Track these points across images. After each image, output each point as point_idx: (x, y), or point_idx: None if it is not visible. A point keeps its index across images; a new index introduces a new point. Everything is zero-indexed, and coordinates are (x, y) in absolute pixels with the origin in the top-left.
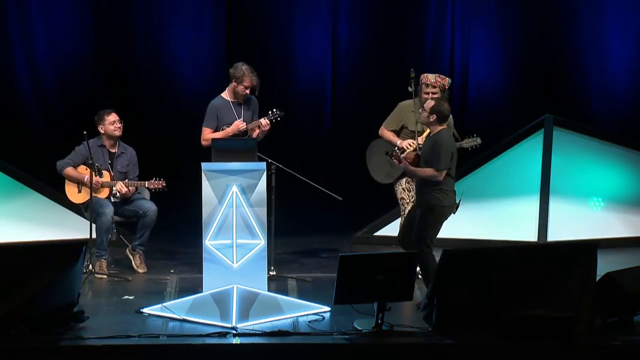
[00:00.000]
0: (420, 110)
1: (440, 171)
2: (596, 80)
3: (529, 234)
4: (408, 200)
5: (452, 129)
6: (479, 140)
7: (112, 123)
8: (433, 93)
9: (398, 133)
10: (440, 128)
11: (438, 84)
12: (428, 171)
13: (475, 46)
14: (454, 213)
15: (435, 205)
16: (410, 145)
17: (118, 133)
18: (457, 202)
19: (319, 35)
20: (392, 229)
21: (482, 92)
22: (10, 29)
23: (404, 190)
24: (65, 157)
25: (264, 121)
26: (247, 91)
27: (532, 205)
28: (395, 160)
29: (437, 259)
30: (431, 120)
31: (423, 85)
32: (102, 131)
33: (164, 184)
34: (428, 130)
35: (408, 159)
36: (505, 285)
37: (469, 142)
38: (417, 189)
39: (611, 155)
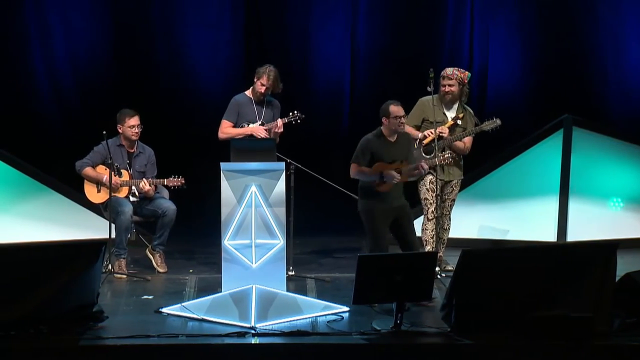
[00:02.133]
0: (401, 120)
1: None
2: (615, 80)
3: (548, 234)
4: (432, 200)
5: (473, 117)
6: (498, 122)
7: (131, 127)
8: (449, 85)
9: (419, 127)
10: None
11: (455, 76)
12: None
13: (494, 46)
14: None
15: None
16: (429, 135)
17: (135, 138)
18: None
19: (337, 36)
20: None
21: (501, 92)
22: (28, 28)
23: (428, 191)
24: (84, 157)
25: (280, 122)
26: (262, 89)
27: (551, 206)
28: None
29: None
30: None
31: (440, 79)
32: (120, 131)
33: (183, 181)
34: (451, 122)
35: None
36: (524, 286)
37: (489, 125)
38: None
39: (631, 155)
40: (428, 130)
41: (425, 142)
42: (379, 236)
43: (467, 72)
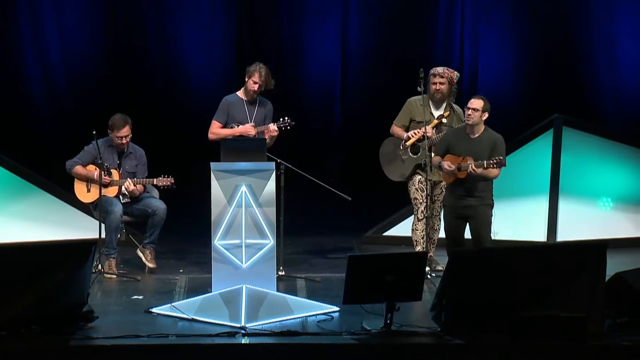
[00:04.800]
0: (468, 112)
1: (500, 169)
2: (606, 80)
3: (538, 234)
4: (421, 200)
5: (461, 115)
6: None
7: (119, 137)
8: (440, 83)
9: (408, 127)
10: (484, 125)
11: (446, 75)
12: (496, 171)
13: (484, 46)
14: None
15: (492, 204)
16: (414, 135)
17: (121, 147)
18: None
19: (329, 36)
20: (401, 229)
21: (492, 91)
22: (21, 28)
23: (417, 191)
24: (75, 157)
25: (273, 127)
26: (255, 87)
27: (542, 205)
28: (457, 172)
29: (446, 259)
30: (483, 118)
31: (431, 77)
32: (110, 135)
33: (173, 181)
34: (436, 121)
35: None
36: (514, 286)
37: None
38: (468, 192)
39: (621, 155)
40: (412, 131)
41: (408, 143)
42: (447, 230)
43: (456, 72)
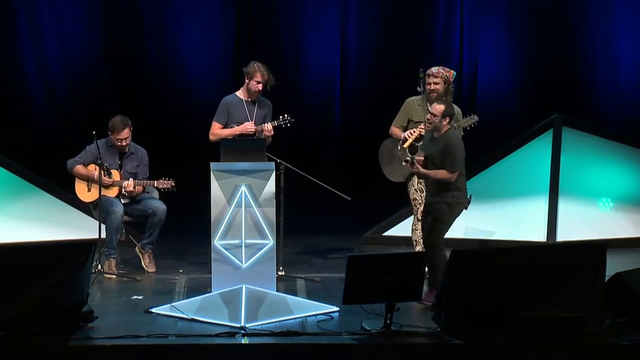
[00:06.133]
0: (428, 116)
1: (454, 173)
2: (605, 80)
3: (538, 234)
4: (420, 201)
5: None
6: (475, 118)
7: (119, 140)
8: (435, 83)
9: (406, 128)
10: (447, 128)
11: (440, 74)
12: (441, 173)
13: (484, 46)
14: (466, 209)
15: (452, 203)
16: (410, 135)
17: (121, 150)
18: (469, 197)
19: (328, 35)
20: (401, 229)
21: (491, 91)
22: (20, 28)
23: (417, 191)
24: (76, 156)
25: (267, 126)
26: (259, 87)
27: (541, 206)
28: (407, 165)
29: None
30: (444, 123)
31: (426, 77)
32: (110, 137)
33: (173, 184)
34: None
35: (419, 163)
36: (514, 286)
37: (466, 122)
38: (432, 190)
39: (620, 155)
40: (408, 132)
41: (405, 145)
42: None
43: (452, 71)
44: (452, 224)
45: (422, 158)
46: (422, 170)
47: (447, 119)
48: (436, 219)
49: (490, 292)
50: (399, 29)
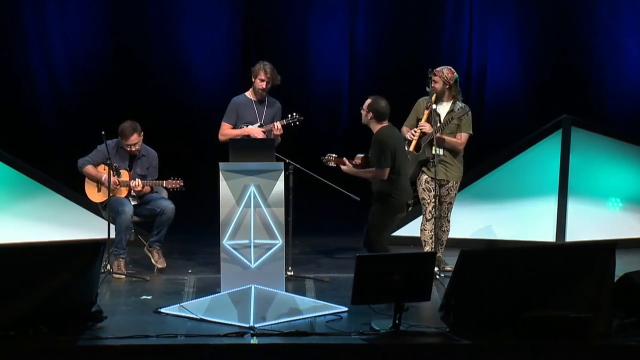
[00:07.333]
0: (360, 109)
1: (382, 169)
2: (613, 80)
3: (547, 234)
4: (429, 200)
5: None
6: (467, 109)
7: (129, 146)
8: (434, 82)
9: (415, 127)
10: (380, 126)
11: (440, 74)
12: (370, 171)
13: (492, 46)
14: (408, 210)
15: (387, 195)
16: (412, 136)
17: (130, 154)
18: (410, 201)
19: (335, 36)
20: (409, 229)
21: (500, 92)
22: (27, 29)
23: (425, 190)
24: (87, 155)
25: (278, 125)
26: (263, 85)
27: (550, 206)
28: (332, 164)
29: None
30: (369, 118)
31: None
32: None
33: (182, 184)
34: (426, 111)
35: (357, 161)
36: (523, 286)
37: (458, 113)
38: (372, 189)
39: (629, 155)
40: (409, 133)
41: (411, 149)
42: None
43: (454, 73)
44: (391, 224)
45: (362, 156)
46: (346, 168)
47: (371, 114)
48: (371, 218)
49: (499, 292)
50: (407, 29)
